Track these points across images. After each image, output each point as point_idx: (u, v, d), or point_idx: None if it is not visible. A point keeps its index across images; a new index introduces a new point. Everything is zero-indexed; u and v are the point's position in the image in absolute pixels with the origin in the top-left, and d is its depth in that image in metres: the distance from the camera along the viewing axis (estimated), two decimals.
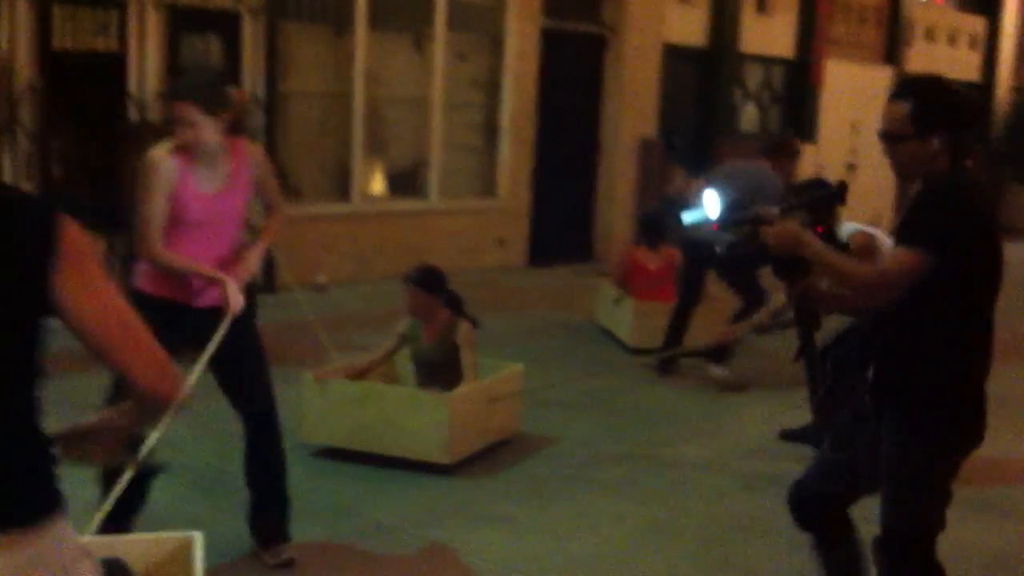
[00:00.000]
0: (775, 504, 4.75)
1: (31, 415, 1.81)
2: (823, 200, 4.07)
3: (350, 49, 9.35)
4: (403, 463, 4.87)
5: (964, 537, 4.23)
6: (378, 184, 10.00)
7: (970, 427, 2.94)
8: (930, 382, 2.92)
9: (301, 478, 4.80)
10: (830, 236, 4.25)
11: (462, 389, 5.02)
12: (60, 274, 1.71)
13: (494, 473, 4.99)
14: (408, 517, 4.41)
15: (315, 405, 5.02)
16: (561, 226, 11.19)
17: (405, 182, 10.13)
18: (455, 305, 5.26)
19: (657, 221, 7.61)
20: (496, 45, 10.50)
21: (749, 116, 13.53)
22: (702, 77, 12.54)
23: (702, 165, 12.44)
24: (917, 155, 2.91)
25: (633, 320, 7.28)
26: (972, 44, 17.27)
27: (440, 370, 5.16)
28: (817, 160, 14.00)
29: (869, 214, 15.25)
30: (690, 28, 12.27)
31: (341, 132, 9.44)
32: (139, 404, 1.88)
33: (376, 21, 9.49)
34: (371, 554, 4.06)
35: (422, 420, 4.82)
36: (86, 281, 1.74)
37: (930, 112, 2.90)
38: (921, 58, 15.87)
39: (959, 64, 17.02)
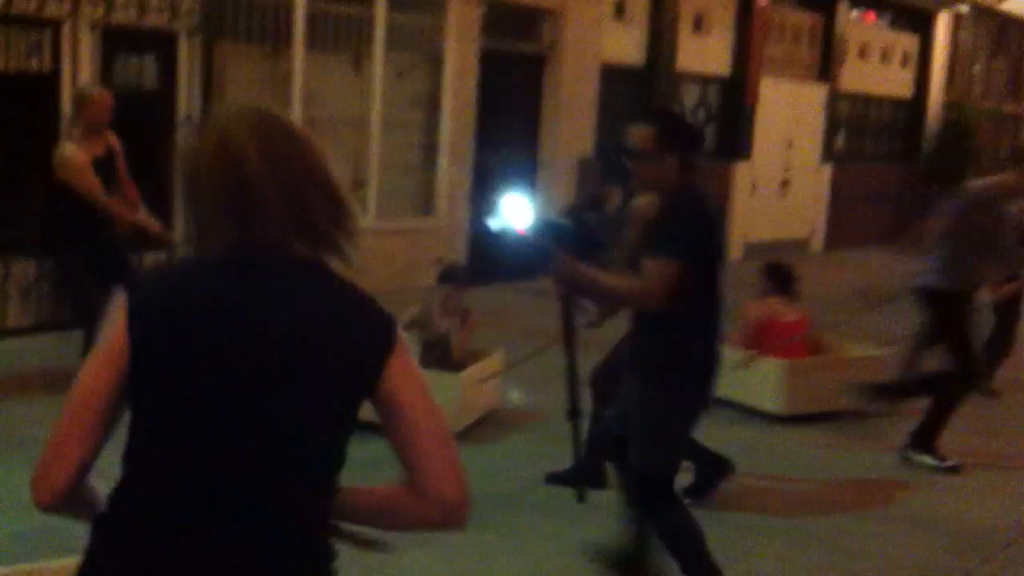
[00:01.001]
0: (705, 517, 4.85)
1: (328, 512, 1.79)
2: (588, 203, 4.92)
3: (287, 68, 9.35)
4: None
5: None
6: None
7: (698, 389, 3.68)
8: (668, 352, 3.62)
9: None
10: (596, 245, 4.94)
11: (469, 369, 5.86)
12: (392, 365, 1.75)
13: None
14: None
15: None
16: (499, 244, 11.23)
17: None
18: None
19: (786, 268, 6.83)
20: (435, 65, 10.55)
21: None
22: (640, 95, 12.68)
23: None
24: (656, 171, 3.64)
25: (783, 382, 6.42)
26: (904, 62, 17.64)
27: (447, 352, 5.95)
28: (752, 177, 14.22)
29: (805, 229, 15.53)
30: (627, 47, 12.42)
31: None
32: (416, 506, 1.78)
33: (314, 41, 9.50)
34: None
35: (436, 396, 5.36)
36: (409, 371, 1.78)
37: (667, 135, 3.63)
38: (854, 75, 16.19)
39: (892, 81, 17.38)
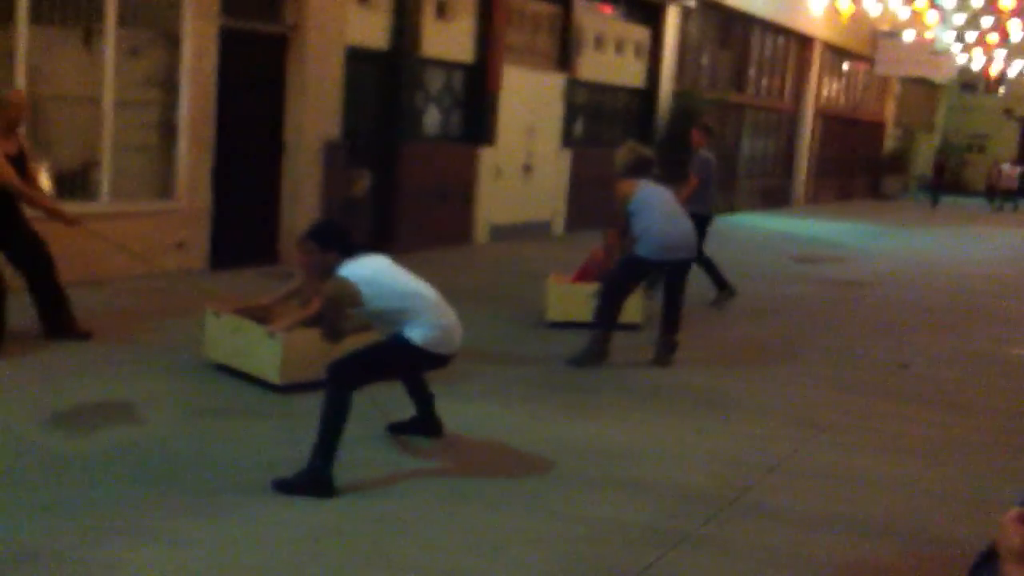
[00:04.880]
0: (426, 500, 4.99)
1: None
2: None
3: (10, 44, 8.83)
4: None
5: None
6: (44, 186, 9.47)
7: None
8: None
9: None
10: None
11: (299, 331, 6.34)
12: None
13: (157, 488, 4.91)
14: (63, 538, 4.27)
15: (211, 331, 6.85)
16: (244, 228, 11.05)
17: (73, 184, 9.68)
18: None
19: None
20: (172, 42, 10.23)
21: (431, 119, 13.87)
22: (384, 79, 12.74)
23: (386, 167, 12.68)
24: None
25: None
26: (638, 52, 18.47)
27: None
28: (496, 162, 14.55)
29: (546, 211, 16.03)
30: (372, 30, 12.43)
31: None
32: None
33: (39, 15, 9.02)
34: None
35: (267, 349, 6.44)
36: None
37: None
38: (591, 65, 16.82)
39: (626, 71, 18.17)
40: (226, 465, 5.24)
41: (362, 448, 5.58)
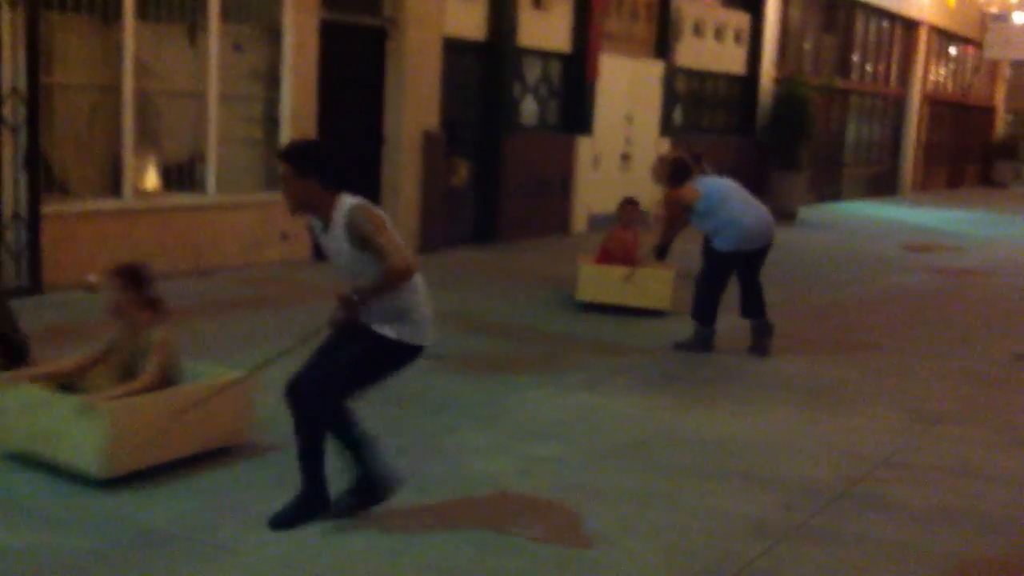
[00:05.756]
0: (550, 487, 4.96)
1: None
2: None
3: (118, 40, 9.04)
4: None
5: None
6: (152, 179, 9.71)
7: None
8: None
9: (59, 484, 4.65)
10: None
11: (130, 399, 4.64)
12: None
13: (269, 474, 4.97)
14: (184, 521, 4.34)
15: (5, 408, 4.84)
16: None
17: (181, 176, 9.88)
18: (158, 306, 4.90)
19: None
20: (274, 36, 10.37)
21: (529, 109, 13.83)
22: (482, 70, 12.74)
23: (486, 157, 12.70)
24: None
25: None
26: (737, 39, 18.18)
27: (138, 374, 4.78)
28: (594, 151, 14.46)
29: (645, 200, 15.85)
30: (469, 21, 12.45)
31: (111, 125, 9.12)
32: None
33: (146, 11, 9.22)
34: (147, 567, 3.98)
35: (83, 429, 4.54)
36: None
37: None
38: (690, 52, 16.60)
39: (725, 58, 17.90)
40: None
41: (465, 435, 5.58)
